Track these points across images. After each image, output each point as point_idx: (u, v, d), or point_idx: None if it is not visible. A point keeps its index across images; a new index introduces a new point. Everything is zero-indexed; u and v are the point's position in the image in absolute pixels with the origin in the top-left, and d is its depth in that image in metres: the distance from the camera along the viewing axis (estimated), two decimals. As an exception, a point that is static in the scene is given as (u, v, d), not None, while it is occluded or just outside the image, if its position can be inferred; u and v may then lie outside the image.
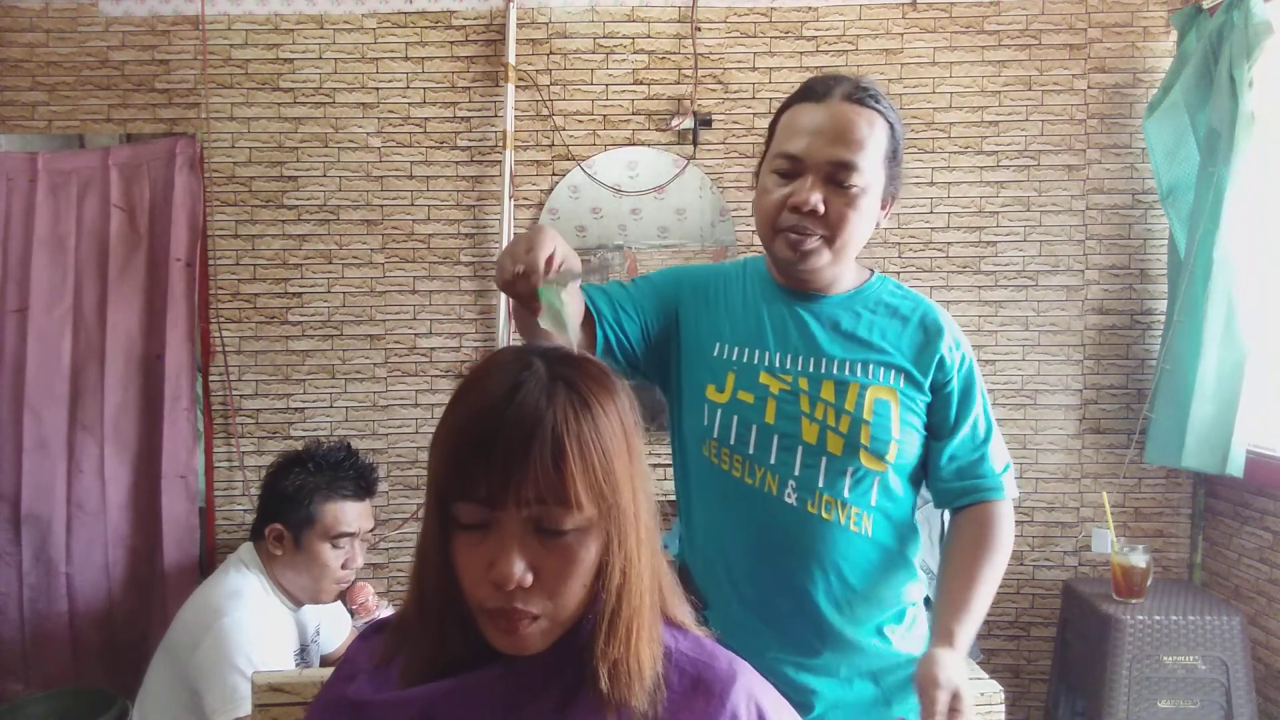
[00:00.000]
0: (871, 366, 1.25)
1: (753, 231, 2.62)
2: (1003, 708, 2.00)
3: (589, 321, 1.25)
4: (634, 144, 2.61)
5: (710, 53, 2.60)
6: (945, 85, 2.60)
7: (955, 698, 1.10)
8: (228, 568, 1.80)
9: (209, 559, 2.54)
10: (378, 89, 2.59)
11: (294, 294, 2.60)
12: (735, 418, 1.24)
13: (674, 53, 2.60)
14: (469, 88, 2.59)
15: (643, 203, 2.60)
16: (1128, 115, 2.59)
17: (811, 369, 1.25)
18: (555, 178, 2.61)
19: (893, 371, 1.25)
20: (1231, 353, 2.23)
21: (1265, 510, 2.31)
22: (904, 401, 1.24)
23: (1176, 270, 2.43)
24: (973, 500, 1.30)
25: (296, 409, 2.61)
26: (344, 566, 1.80)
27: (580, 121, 2.61)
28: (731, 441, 1.24)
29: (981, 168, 2.61)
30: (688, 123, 2.56)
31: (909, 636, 1.30)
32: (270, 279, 2.60)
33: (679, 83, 2.60)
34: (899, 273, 2.60)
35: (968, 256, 2.62)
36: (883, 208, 1.27)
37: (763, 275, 1.35)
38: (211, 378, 2.59)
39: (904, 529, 1.29)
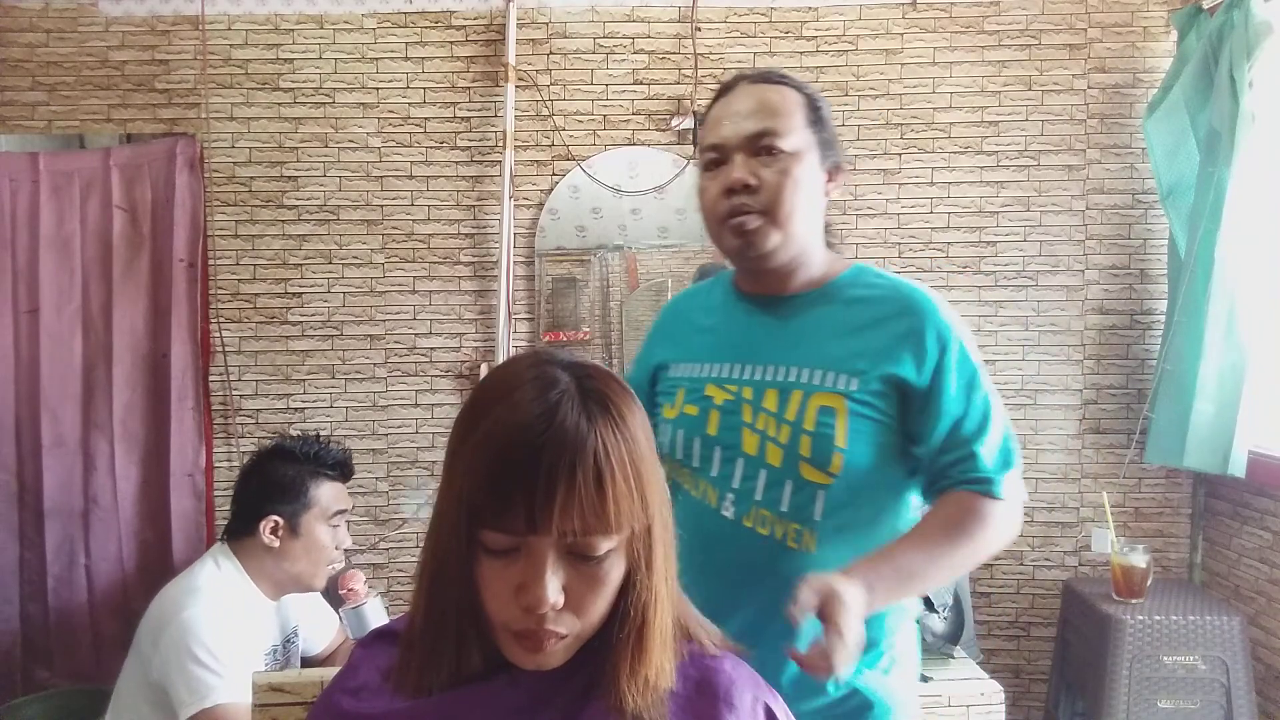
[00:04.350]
0: (819, 372, 1.15)
1: (753, 231, 2.62)
2: (1003, 708, 2.01)
3: None
4: (634, 144, 2.61)
5: (710, 53, 2.60)
6: (945, 85, 2.60)
7: (830, 600, 0.94)
8: (194, 566, 1.81)
9: (209, 558, 2.55)
10: (378, 89, 2.59)
11: (294, 294, 2.61)
12: (681, 431, 1.22)
13: (674, 53, 2.60)
14: (469, 88, 2.60)
15: (643, 203, 2.60)
16: (1128, 115, 2.59)
17: (757, 377, 1.18)
18: (555, 178, 2.61)
19: (843, 376, 1.14)
20: (1232, 353, 2.23)
21: (1265, 510, 2.31)
22: (854, 409, 1.12)
23: (1177, 270, 2.43)
24: (950, 485, 1.13)
25: (296, 409, 2.61)
26: (335, 547, 1.86)
27: (580, 121, 2.61)
28: (679, 455, 1.22)
29: (981, 168, 2.61)
30: (688, 123, 2.55)
31: (885, 682, 1.16)
32: (270, 279, 2.60)
33: (679, 83, 2.60)
34: (899, 273, 2.59)
35: (968, 256, 2.62)
36: (829, 179, 1.21)
37: (726, 286, 1.31)
38: (212, 378, 2.59)
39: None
